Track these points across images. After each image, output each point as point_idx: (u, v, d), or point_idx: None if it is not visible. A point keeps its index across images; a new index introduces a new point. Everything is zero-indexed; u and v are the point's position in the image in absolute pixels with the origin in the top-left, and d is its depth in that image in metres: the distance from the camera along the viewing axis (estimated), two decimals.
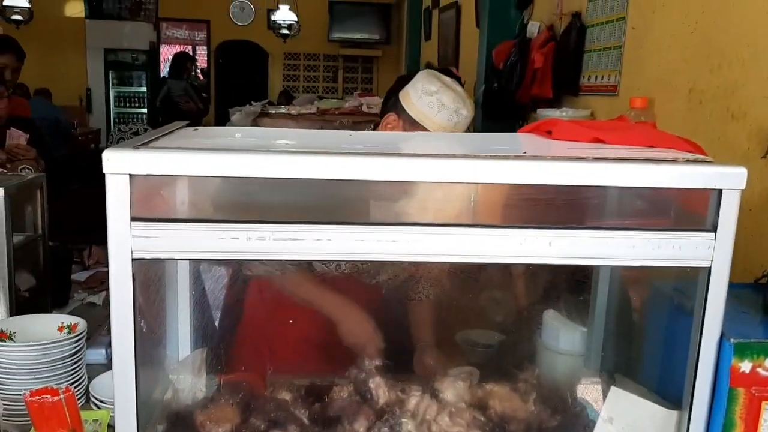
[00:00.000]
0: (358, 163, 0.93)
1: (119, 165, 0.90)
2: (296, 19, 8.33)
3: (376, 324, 1.52)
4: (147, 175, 0.92)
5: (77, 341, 1.43)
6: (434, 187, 0.98)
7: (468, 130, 1.75)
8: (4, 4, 8.06)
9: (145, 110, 9.33)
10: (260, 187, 0.96)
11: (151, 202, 0.96)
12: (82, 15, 9.15)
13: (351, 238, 0.94)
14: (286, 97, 8.00)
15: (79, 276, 2.42)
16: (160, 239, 0.93)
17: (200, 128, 1.23)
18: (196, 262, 1.29)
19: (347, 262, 1.46)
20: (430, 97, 1.67)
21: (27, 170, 2.70)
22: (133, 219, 0.92)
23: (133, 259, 0.93)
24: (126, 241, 0.92)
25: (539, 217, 1.01)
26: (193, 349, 1.34)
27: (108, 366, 1.83)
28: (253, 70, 9.73)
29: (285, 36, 8.43)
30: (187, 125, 1.25)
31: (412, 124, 1.66)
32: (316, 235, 0.94)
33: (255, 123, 4.05)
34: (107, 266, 2.33)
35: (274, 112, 4.14)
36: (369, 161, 0.94)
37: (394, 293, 1.61)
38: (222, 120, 7.68)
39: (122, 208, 0.91)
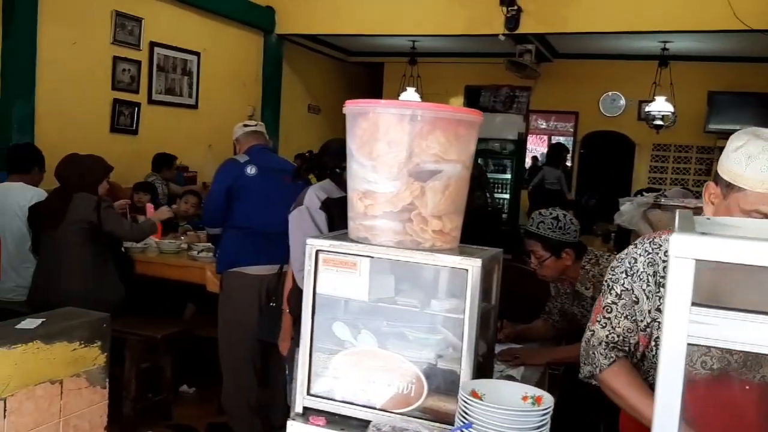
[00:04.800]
0: None
1: (687, 250, 0.92)
2: (672, 110, 8.04)
3: None
4: (712, 261, 0.92)
5: (544, 415, 1.48)
6: None
7: None
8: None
9: (507, 196, 9.81)
10: None
11: (711, 289, 0.96)
12: None
13: None
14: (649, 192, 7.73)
15: None
16: (716, 327, 0.92)
17: (712, 218, 1.21)
18: None
19: None
20: (735, 153, 1.48)
21: None
22: (693, 304, 0.92)
23: (687, 344, 0.93)
24: (683, 324, 0.93)
25: None
26: None
27: None
28: (616, 161, 9.61)
29: (658, 127, 8.19)
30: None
31: (727, 187, 1.48)
32: None
33: (645, 214, 3.95)
34: (516, 342, 2.36)
35: (666, 203, 4.00)
36: None
37: None
38: (585, 209, 7.69)
39: (684, 291, 0.92)
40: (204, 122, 7.40)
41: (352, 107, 1.85)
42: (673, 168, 9.24)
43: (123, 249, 4.12)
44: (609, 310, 1.66)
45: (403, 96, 9.35)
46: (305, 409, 1.88)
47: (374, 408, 1.81)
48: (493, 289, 1.90)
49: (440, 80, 9.87)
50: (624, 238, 4.50)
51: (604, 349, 1.66)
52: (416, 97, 9.32)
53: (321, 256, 1.84)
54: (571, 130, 9.82)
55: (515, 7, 7.13)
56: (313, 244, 1.85)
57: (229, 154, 7.37)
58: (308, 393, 1.87)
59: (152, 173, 6.36)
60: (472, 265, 1.70)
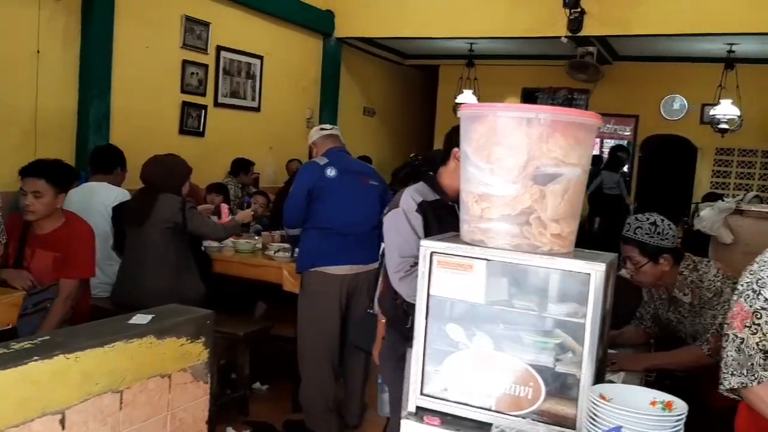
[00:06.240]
0: None
1: None
2: (738, 114, 7.85)
3: None
4: None
5: (677, 421, 1.47)
6: None
7: None
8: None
9: None
10: None
11: None
12: None
13: None
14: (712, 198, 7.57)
15: None
16: None
17: None
18: None
19: None
20: None
21: None
22: None
23: None
24: None
25: None
26: None
27: None
28: (676, 165, 9.42)
29: (723, 131, 8.00)
30: None
31: None
32: None
33: (727, 220, 3.87)
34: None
35: (749, 209, 3.90)
36: None
37: None
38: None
39: None
40: (265, 124, 7.51)
41: (467, 111, 1.87)
42: (737, 173, 9.01)
43: (203, 248, 4.22)
44: (759, 316, 1.59)
45: (461, 98, 9.33)
46: (418, 408, 1.89)
47: (489, 409, 1.82)
48: (609, 294, 1.89)
49: (496, 82, 9.81)
50: (700, 244, 4.40)
51: (763, 360, 1.59)
52: (473, 99, 9.29)
53: (435, 258, 1.86)
54: (630, 133, 9.66)
55: (578, 9, 7.05)
56: (428, 246, 1.87)
57: (288, 156, 7.51)
58: (421, 393, 1.89)
59: (229, 176, 6.50)
60: (595, 270, 1.69)
